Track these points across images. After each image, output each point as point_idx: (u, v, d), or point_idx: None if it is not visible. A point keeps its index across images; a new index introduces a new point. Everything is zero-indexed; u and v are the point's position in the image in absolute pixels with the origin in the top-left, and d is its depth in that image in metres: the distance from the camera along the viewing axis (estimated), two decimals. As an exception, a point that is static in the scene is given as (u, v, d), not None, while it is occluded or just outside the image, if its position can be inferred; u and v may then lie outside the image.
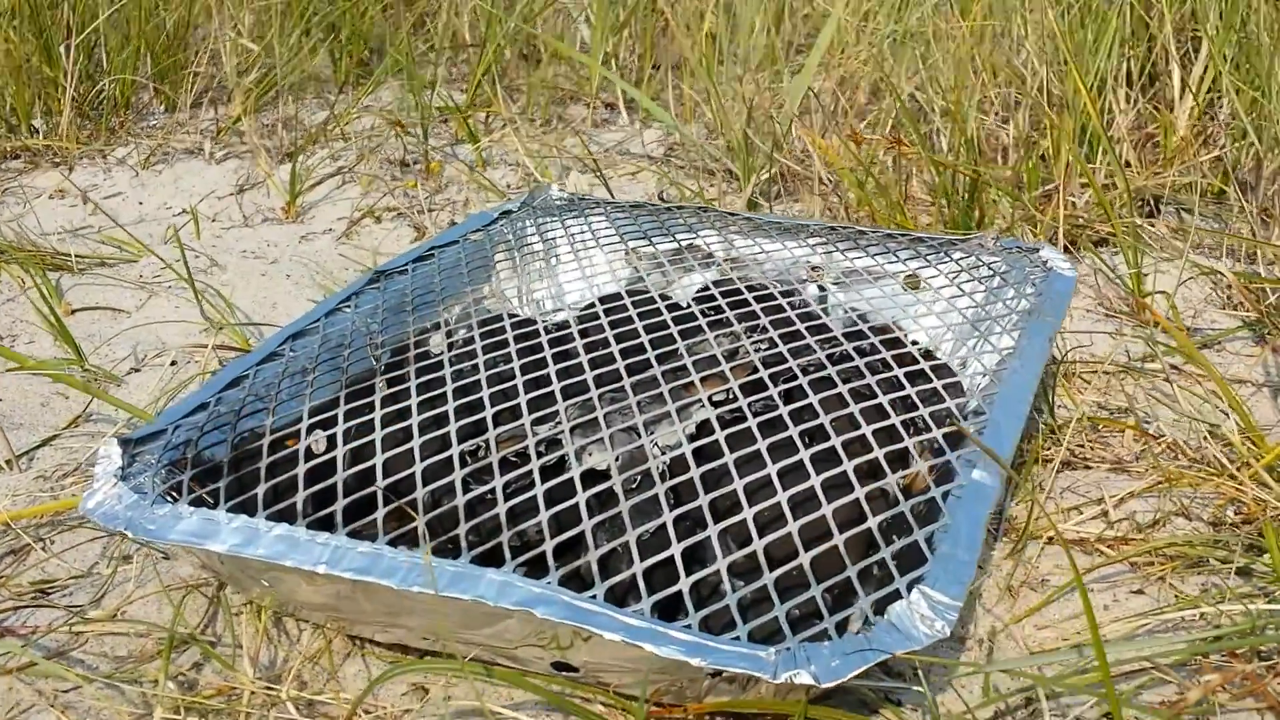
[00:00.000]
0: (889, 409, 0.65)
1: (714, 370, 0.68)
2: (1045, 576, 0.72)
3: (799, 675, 0.49)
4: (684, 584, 0.54)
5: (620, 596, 0.56)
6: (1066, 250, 1.15)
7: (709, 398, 0.66)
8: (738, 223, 0.93)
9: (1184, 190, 1.27)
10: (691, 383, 0.67)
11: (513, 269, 0.92)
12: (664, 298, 0.80)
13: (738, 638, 0.52)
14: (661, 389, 0.66)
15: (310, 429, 0.65)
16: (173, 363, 1.03)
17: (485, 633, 0.56)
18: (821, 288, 0.90)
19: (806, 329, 0.74)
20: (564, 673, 0.57)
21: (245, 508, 0.60)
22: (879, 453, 0.62)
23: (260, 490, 0.60)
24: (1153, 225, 1.22)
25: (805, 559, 0.55)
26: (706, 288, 0.82)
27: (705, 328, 0.73)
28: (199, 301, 1.11)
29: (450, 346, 0.74)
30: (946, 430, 0.63)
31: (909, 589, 0.53)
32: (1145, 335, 1.01)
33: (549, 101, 1.73)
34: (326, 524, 0.59)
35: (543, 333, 0.73)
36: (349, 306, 0.80)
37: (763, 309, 0.76)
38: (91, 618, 0.68)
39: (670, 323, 0.74)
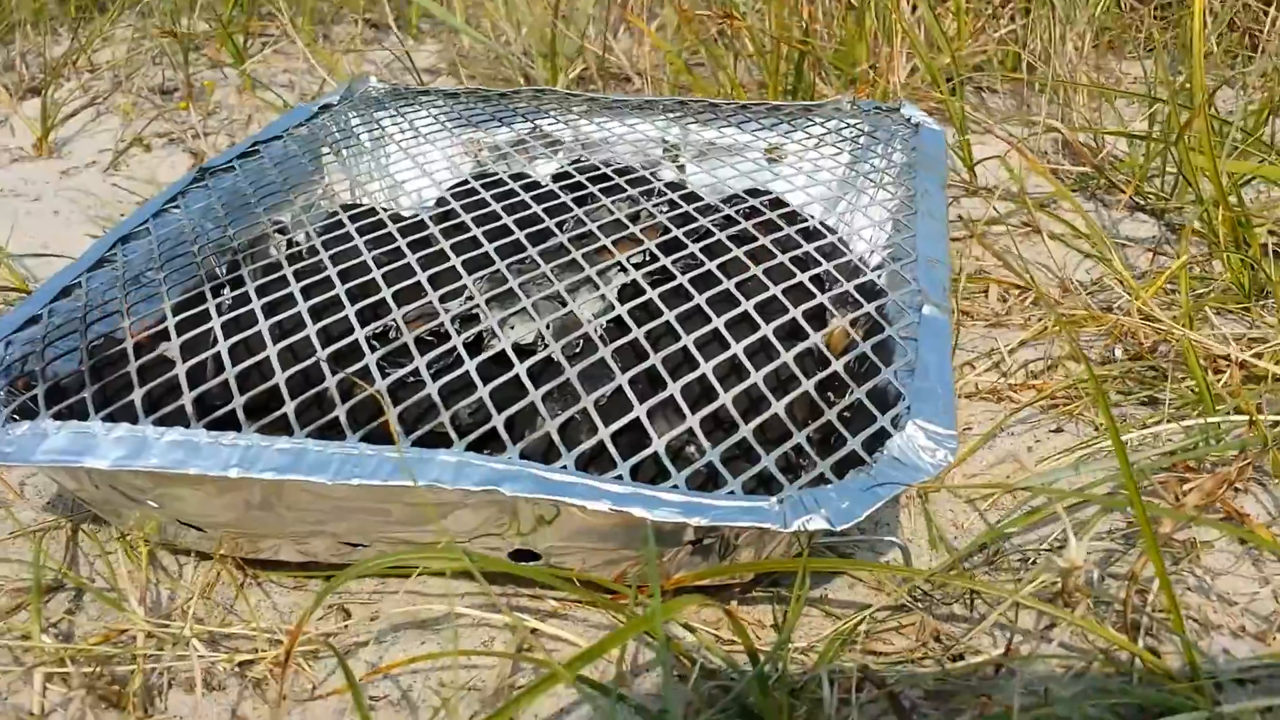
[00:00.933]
0: (818, 256, 0.61)
1: (624, 233, 0.62)
2: (963, 428, 0.70)
3: (811, 521, 0.45)
4: (658, 444, 0.49)
5: (583, 469, 0.50)
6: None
7: (627, 259, 0.60)
8: (582, 103, 0.87)
9: (981, 68, 1.29)
10: (604, 247, 0.61)
11: (343, 163, 0.83)
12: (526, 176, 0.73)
13: (732, 492, 0.47)
14: (573, 255, 0.60)
15: (180, 327, 0.56)
16: (-58, 308, 0.89)
17: (432, 529, 0.49)
18: (680, 165, 0.85)
19: (697, 192, 0.69)
20: (525, 562, 0.51)
21: (123, 416, 0.50)
22: (823, 298, 0.58)
23: (137, 396, 0.51)
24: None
25: (779, 407, 0.51)
26: (583, 159, 0.76)
27: (598, 194, 0.67)
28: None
29: (318, 233, 0.65)
30: (887, 268, 0.60)
31: (894, 424, 0.49)
32: (985, 199, 1.01)
33: (311, 21, 1.61)
34: (223, 426, 0.50)
35: (421, 212, 0.65)
36: (176, 207, 0.69)
37: (650, 174, 0.70)
38: (-80, 579, 0.56)
39: (559, 192, 0.67)
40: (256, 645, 0.52)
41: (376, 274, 0.58)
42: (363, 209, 0.68)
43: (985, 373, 0.76)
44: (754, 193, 0.70)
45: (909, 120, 0.82)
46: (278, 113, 1.32)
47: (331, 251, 0.61)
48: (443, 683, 0.50)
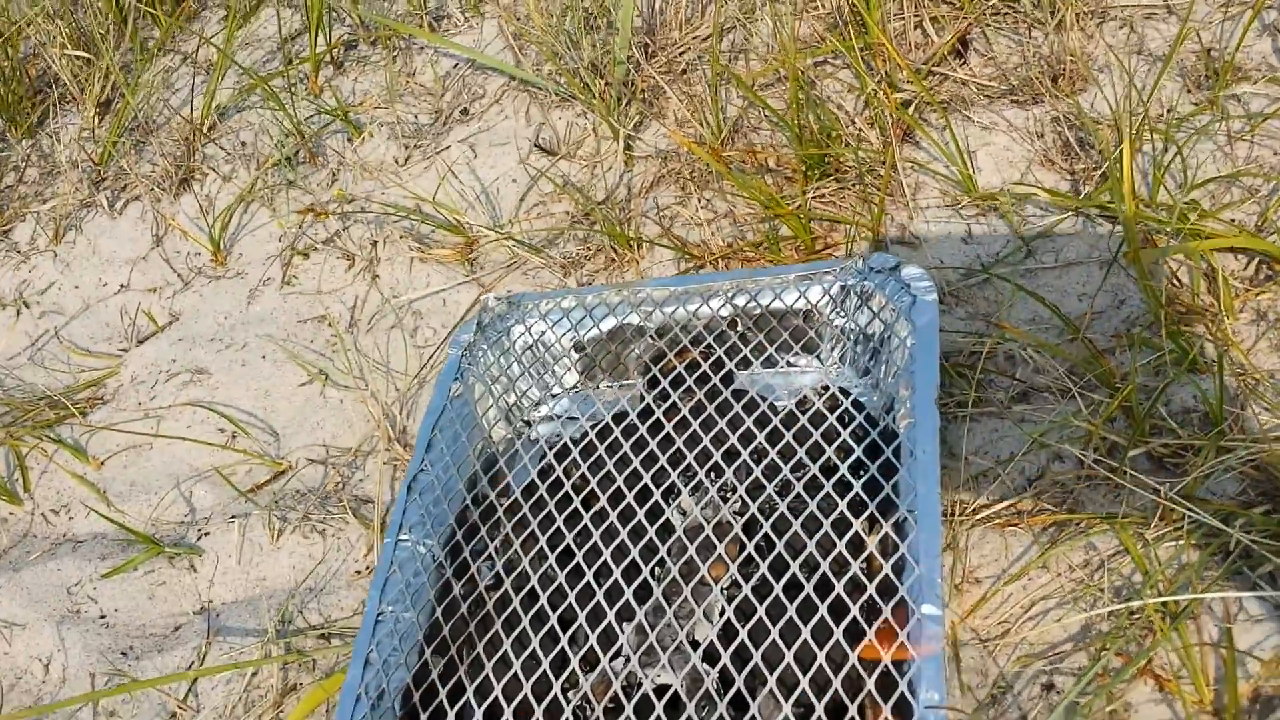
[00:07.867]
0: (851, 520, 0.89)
1: (714, 555, 0.91)
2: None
3: None
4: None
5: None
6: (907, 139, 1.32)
7: (719, 587, 0.90)
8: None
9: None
10: (701, 575, 0.91)
11: (500, 416, 1.11)
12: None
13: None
14: (682, 590, 0.90)
15: None
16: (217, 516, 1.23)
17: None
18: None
19: (755, 454, 0.96)
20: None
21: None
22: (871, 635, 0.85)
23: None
24: (965, 67, 1.39)
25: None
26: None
27: (680, 488, 0.96)
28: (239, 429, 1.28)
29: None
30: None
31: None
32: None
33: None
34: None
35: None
36: (406, 534, 0.99)
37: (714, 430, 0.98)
38: None
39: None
40: None
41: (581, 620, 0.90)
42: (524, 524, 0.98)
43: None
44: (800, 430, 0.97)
45: (907, 287, 1.03)
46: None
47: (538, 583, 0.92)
48: None
